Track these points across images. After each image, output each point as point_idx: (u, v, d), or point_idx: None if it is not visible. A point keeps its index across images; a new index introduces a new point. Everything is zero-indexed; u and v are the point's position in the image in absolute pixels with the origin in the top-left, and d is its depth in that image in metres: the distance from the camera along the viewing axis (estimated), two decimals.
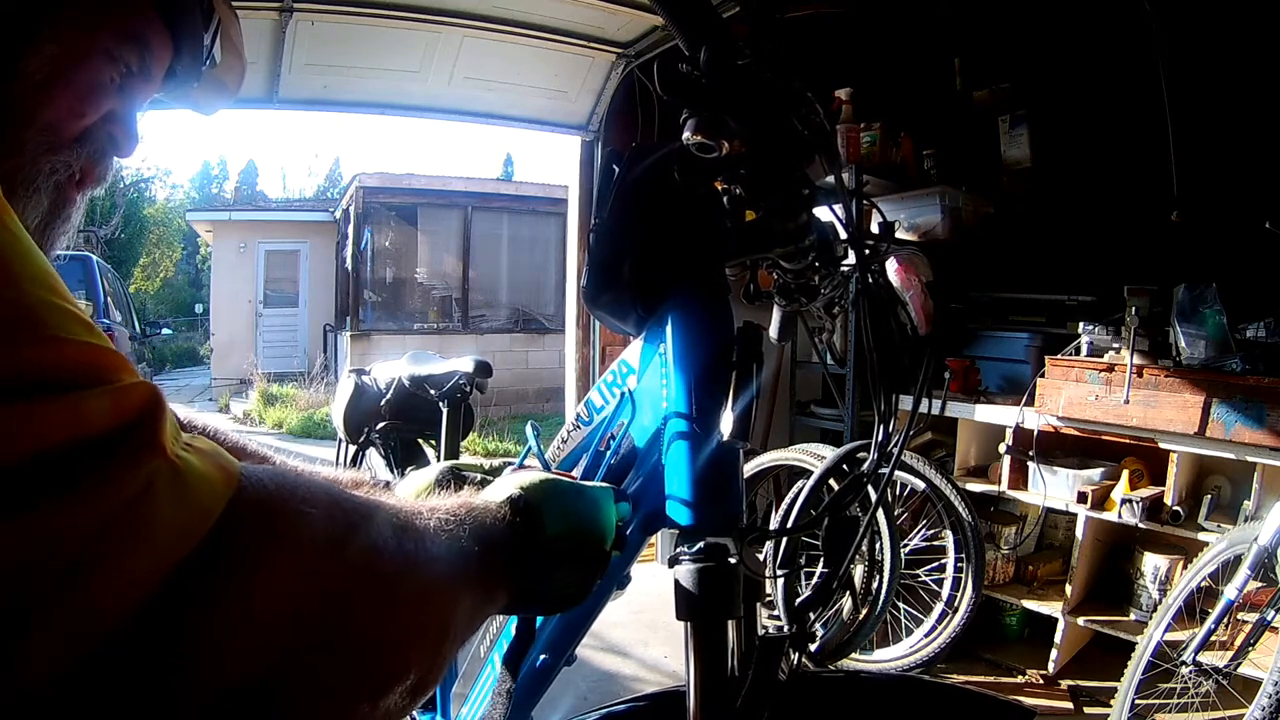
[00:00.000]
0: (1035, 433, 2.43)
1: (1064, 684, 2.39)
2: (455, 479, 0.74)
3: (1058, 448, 2.53)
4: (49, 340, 0.33)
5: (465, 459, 0.80)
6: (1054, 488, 2.44)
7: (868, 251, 0.69)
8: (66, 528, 0.30)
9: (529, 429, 0.76)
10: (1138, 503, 2.21)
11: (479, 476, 0.74)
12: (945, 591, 2.44)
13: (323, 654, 0.38)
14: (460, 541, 0.48)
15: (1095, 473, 2.39)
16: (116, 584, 0.31)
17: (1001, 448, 2.53)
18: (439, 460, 1.46)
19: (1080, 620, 2.39)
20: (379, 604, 0.41)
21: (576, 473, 0.77)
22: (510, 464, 0.77)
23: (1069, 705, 2.29)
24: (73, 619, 0.30)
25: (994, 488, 2.58)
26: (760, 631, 0.67)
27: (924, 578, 2.50)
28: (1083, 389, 2.32)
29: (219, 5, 0.60)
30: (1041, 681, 2.40)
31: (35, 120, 0.51)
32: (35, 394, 0.31)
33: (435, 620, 0.46)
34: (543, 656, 0.78)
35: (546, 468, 0.73)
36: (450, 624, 0.47)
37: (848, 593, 2.23)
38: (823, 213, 0.69)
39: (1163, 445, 2.21)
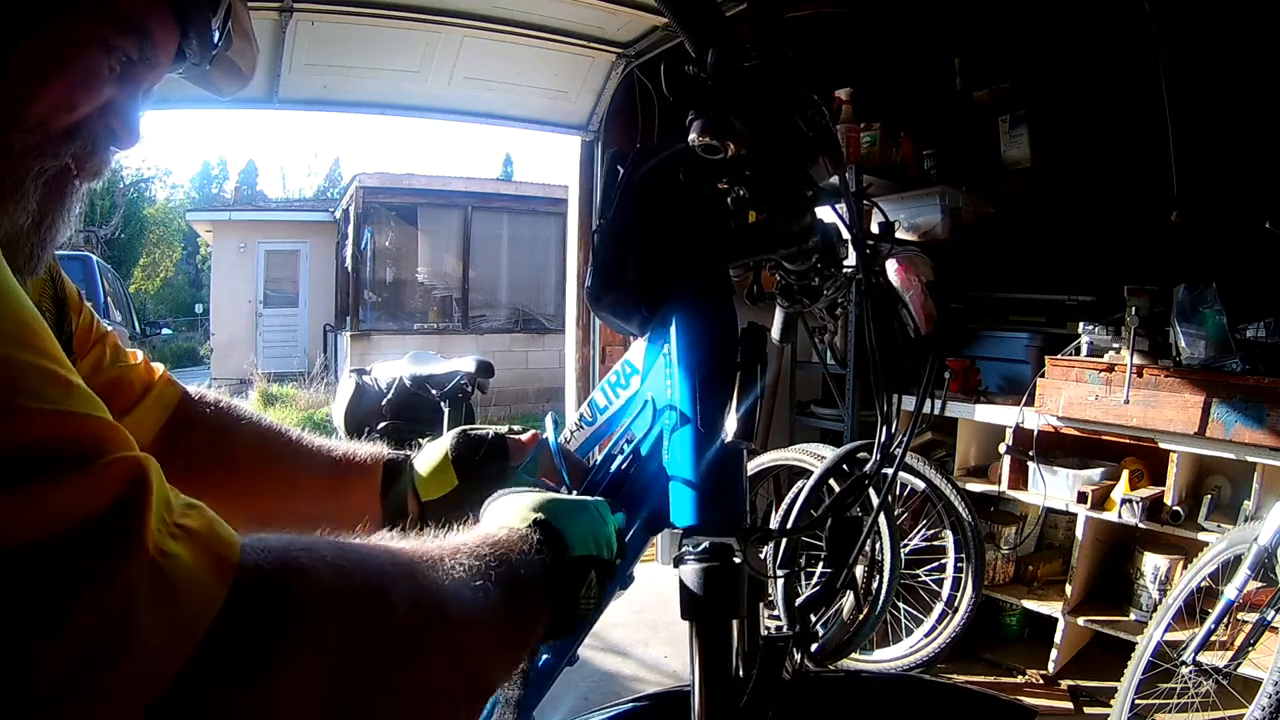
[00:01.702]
0: (1035, 433, 2.43)
1: (1064, 684, 2.39)
2: (466, 445, 0.75)
3: (1058, 448, 2.53)
4: (17, 412, 0.29)
5: (474, 427, 0.80)
6: (1054, 488, 2.44)
7: (870, 252, 0.69)
8: (32, 663, 0.26)
9: (548, 420, 0.76)
10: (1138, 503, 2.21)
11: (490, 432, 0.76)
12: (945, 591, 2.44)
13: None
14: (490, 583, 0.45)
15: (1095, 473, 2.39)
16: (103, 708, 0.27)
17: (1001, 448, 2.53)
18: None
19: (1080, 620, 2.39)
20: (407, 674, 0.38)
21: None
22: (516, 430, 0.79)
23: (1069, 705, 2.29)
24: None
25: (994, 488, 2.58)
26: (763, 632, 0.67)
27: (924, 578, 2.50)
28: (1083, 389, 2.32)
29: None
30: (1041, 681, 2.40)
31: (23, 116, 0.47)
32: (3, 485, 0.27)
33: (472, 672, 0.44)
34: (544, 657, 0.78)
35: (563, 460, 0.73)
36: (488, 672, 0.45)
37: (849, 592, 2.23)
38: (825, 213, 0.69)
39: (1163, 445, 2.21)
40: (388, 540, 0.45)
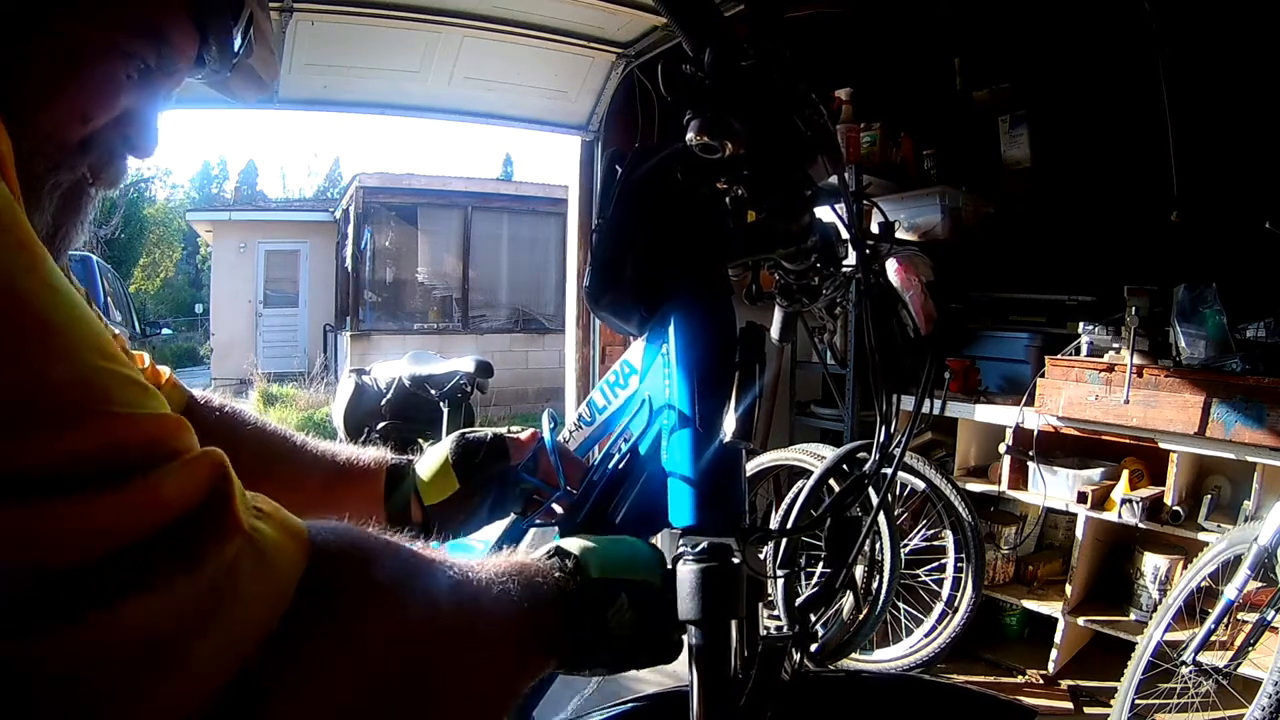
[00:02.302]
0: (1035, 433, 2.43)
1: (1064, 684, 2.39)
2: (465, 448, 0.77)
3: (1058, 448, 2.53)
4: (116, 420, 0.31)
5: (473, 431, 0.82)
6: (1054, 488, 2.44)
7: (869, 252, 0.69)
8: (155, 621, 0.29)
9: (545, 418, 0.78)
10: (1138, 503, 2.21)
11: (489, 434, 0.79)
12: (945, 591, 2.44)
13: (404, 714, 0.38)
14: (517, 599, 0.48)
15: (1095, 473, 2.39)
16: (207, 667, 0.31)
17: (1001, 448, 2.53)
18: None
19: (1080, 620, 2.39)
20: (453, 658, 0.42)
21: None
22: (515, 429, 0.81)
23: (1069, 705, 2.29)
24: (166, 709, 0.30)
25: (994, 488, 2.58)
26: (762, 632, 0.67)
27: (924, 578, 2.50)
28: (1083, 389, 2.32)
29: (252, 4, 0.54)
30: (1041, 681, 2.40)
31: (37, 127, 0.46)
32: (110, 482, 0.30)
33: (498, 678, 0.47)
34: None
35: (559, 457, 0.74)
36: (510, 684, 0.48)
37: (848, 593, 2.23)
38: (824, 213, 0.69)
39: (1163, 445, 2.21)
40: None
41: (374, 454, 0.80)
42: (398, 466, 0.79)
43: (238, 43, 0.54)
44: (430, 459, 0.79)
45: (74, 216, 0.52)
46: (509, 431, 0.81)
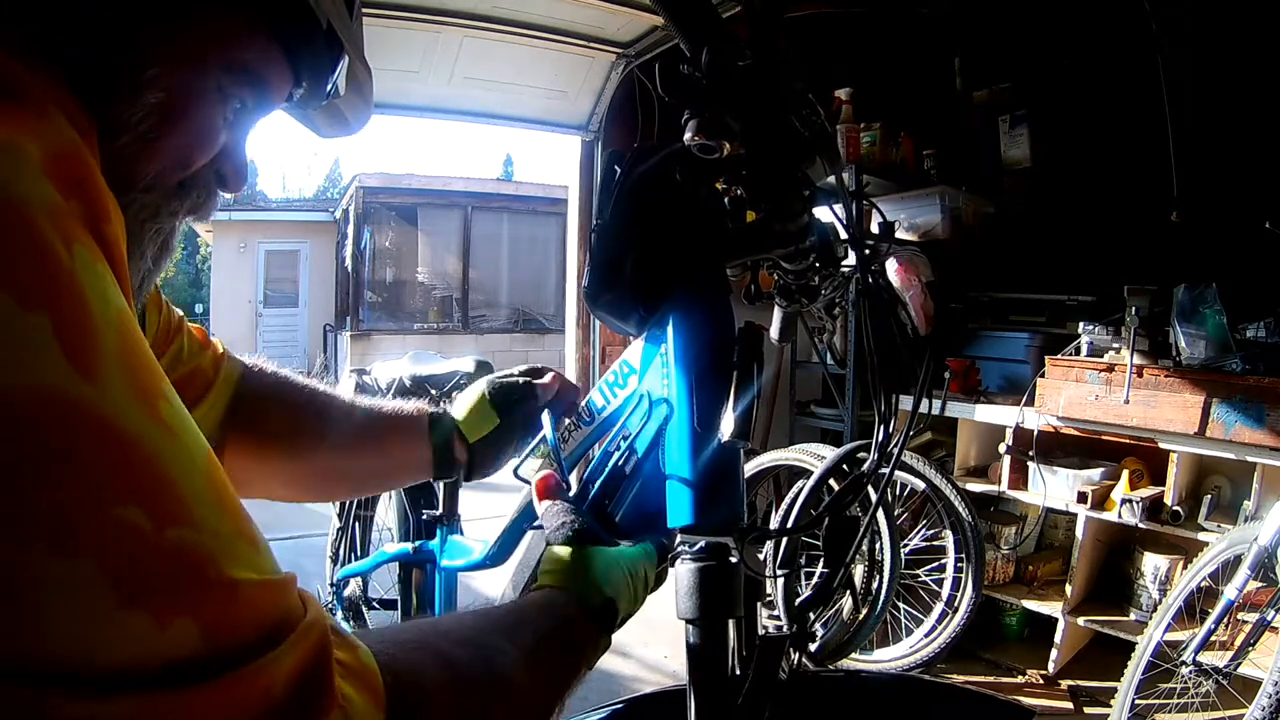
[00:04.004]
0: (1035, 433, 2.43)
1: (1064, 684, 2.39)
2: (502, 388, 0.86)
3: (1058, 448, 2.53)
4: (234, 587, 0.31)
5: (501, 374, 0.92)
6: (1054, 488, 2.44)
7: (868, 252, 0.69)
8: None
9: (545, 416, 0.82)
10: (1138, 503, 2.21)
11: (519, 378, 0.88)
12: (945, 591, 2.44)
13: None
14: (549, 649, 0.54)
15: (1095, 473, 2.39)
16: None
17: (1001, 448, 2.53)
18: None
19: (1080, 620, 2.39)
20: None
21: (576, 473, 0.77)
22: (536, 367, 0.91)
23: (1069, 705, 2.29)
24: None
25: (994, 488, 2.58)
26: (760, 631, 0.67)
27: (924, 578, 2.50)
28: (1083, 389, 2.31)
29: (348, 47, 0.53)
30: (1041, 681, 2.40)
31: (140, 175, 0.44)
32: (226, 669, 0.30)
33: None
34: None
35: (559, 457, 0.75)
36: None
37: (848, 593, 2.23)
38: (823, 213, 0.69)
39: (1163, 445, 2.21)
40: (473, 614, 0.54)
41: (413, 405, 0.88)
42: (437, 413, 0.87)
43: (329, 88, 0.53)
44: (466, 401, 0.87)
45: (167, 255, 0.51)
46: (531, 374, 0.89)
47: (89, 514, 0.28)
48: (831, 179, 0.66)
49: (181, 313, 0.75)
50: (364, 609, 1.64)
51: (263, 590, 0.33)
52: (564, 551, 0.61)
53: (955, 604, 2.40)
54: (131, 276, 0.44)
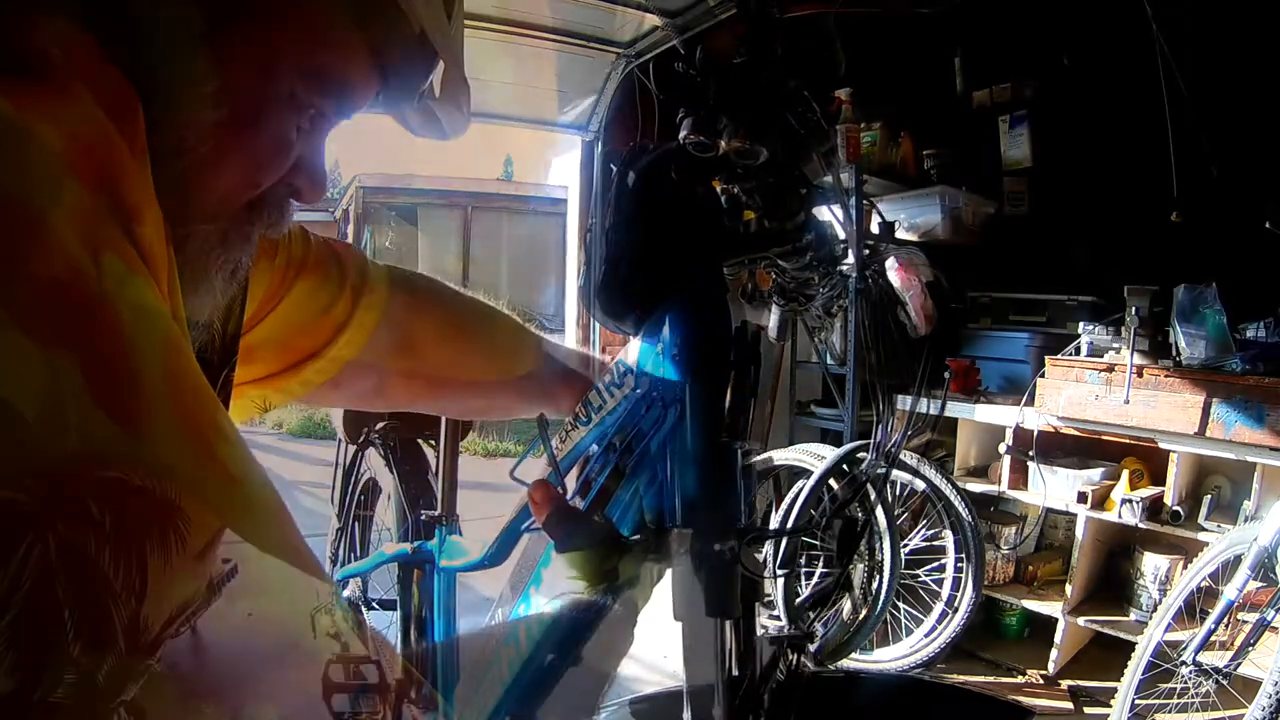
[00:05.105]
0: (1035, 433, 2.43)
1: (1064, 684, 2.39)
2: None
3: (1058, 448, 2.52)
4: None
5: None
6: (1054, 488, 2.43)
7: (867, 252, 0.69)
8: None
9: (540, 419, 0.79)
10: (1138, 503, 2.21)
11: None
12: (945, 591, 2.43)
13: None
14: None
15: (1095, 473, 2.39)
16: None
17: (1001, 448, 2.53)
18: (439, 459, 1.46)
19: (1080, 620, 2.39)
20: None
21: (574, 474, 0.77)
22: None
23: (1069, 705, 2.29)
24: None
25: (994, 488, 2.58)
26: (760, 631, 0.67)
27: (924, 578, 2.49)
28: (1083, 389, 2.31)
29: (443, 54, 0.46)
30: (1041, 681, 2.40)
31: (205, 201, 0.39)
32: None
33: None
34: (549, 657, 0.78)
35: (555, 462, 0.74)
36: None
37: (847, 593, 2.23)
38: (822, 212, 0.69)
39: (1163, 445, 2.21)
40: None
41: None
42: None
43: (422, 90, 0.48)
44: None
45: (236, 283, 0.45)
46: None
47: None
48: (829, 177, 0.66)
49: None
50: (364, 609, 1.64)
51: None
52: (581, 557, 0.61)
53: (955, 604, 2.40)
54: (197, 310, 0.40)
